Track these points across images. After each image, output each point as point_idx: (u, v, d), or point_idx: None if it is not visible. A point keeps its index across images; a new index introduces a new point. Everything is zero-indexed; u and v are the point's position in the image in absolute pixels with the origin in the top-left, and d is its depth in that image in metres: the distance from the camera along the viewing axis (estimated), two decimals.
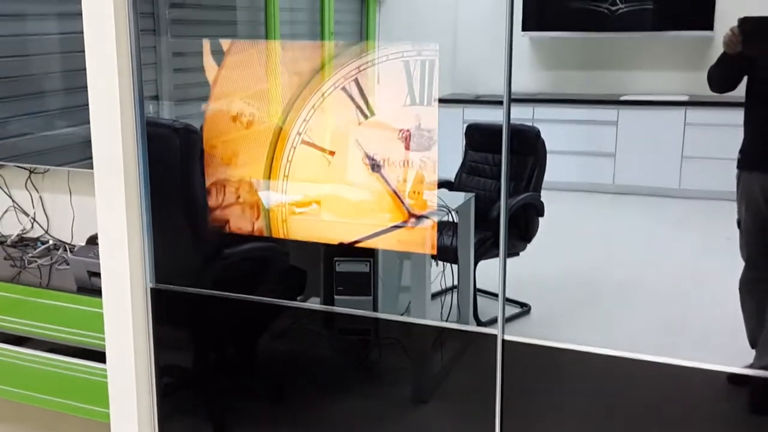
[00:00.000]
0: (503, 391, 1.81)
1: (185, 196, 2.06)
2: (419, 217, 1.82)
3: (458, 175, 1.91)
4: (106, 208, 2.06)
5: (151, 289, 2.10)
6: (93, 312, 2.22)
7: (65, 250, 2.55)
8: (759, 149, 1.64)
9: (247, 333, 2.11)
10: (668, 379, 1.68)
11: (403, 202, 1.84)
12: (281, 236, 1.97)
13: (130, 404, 2.14)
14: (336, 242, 1.92)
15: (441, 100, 1.81)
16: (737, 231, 1.66)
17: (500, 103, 1.75)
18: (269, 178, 1.97)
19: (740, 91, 1.66)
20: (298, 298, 2.00)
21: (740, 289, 1.64)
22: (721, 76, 1.65)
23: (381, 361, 1.99)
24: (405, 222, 1.84)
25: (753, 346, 1.64)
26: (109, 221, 2.05)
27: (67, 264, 2.46)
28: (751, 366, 1.62)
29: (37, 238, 2.66)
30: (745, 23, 1.60)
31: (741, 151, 1.65)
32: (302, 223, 1.94)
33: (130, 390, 2.12)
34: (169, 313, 2.12)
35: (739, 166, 1.65)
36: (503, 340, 1.80)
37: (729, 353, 1.66)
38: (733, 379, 1.63)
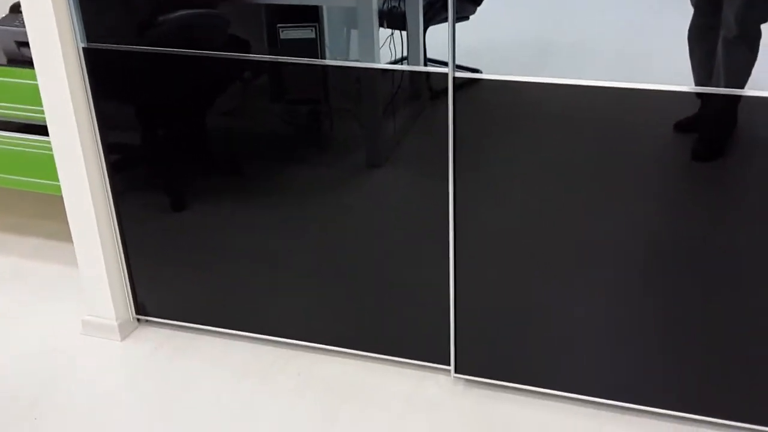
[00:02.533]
0: (455, 138, 1.83)
1: None
2: None
3: None
4: None
5: (83, 48, 2.02)
6: (28, 84, 2.14)
7: None
8: None
9: (193, 98, 2.07)
10: (621, 110, 1.71)
11: None
12: None
13: (80, 177, 2.14)
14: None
15: None
16: None
17: None
18: None
19: None
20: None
21: (689, 37, 1.65)
22: None
23: (333, 130, 2.01)
24: None
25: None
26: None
27: None
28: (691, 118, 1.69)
29: None
30: None
31: None
32: None
33: (77, 162, 2.11)
34: (107, 77, 2.06)
35: None
36: (454, 78, 1.78)
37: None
38: (684, 121, 1.69)
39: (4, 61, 2.23)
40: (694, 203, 1.77)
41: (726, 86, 1.66)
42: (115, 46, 2.01)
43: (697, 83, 1.68)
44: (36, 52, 2.01)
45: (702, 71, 1.68)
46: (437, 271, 2.00)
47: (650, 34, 1.78)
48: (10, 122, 2.34)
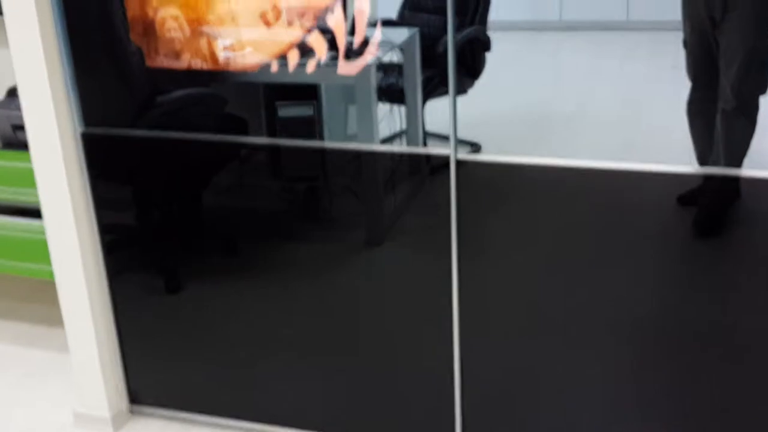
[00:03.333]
0: (459, 217, 1.81)
1: (107, 34, 1.93)
2: (361, 53, 1.75)
3: (401, 12, 1.84)
4: (22, 56, 1.92)
5: (82, 134, 2.01)
6: (23, 168, 2.12)
7: None
8: None
9: (190, 180, 2.06)
10: (622, 189, 1.70)
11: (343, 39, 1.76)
12: (214, 69, 1.86)
13: (73, 261, 2.10)
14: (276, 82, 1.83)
15: None
16: (684, 59, 1.66)
17: None
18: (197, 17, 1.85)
19: None
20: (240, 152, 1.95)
21: (688, 110, 1.65)
22: None
23: (332, 207, 1.98)
24: (347, 57, 1.77)
25: (702, 165, 1.68)
26: (27, 69, 1.93)
27: None
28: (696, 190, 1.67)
29: None
30: None
31: None
32: (245, 43, 1.83)
33: (72, 246, 2.08)
34: (104, 161, 2.05)
35: None
36: (457, 161, 1.77)
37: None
38: (686, 194, 1.67)
39: (0, 144, 2.22)
40: (695, 279, 1.74)
41: (726, 159, 1.64)
42: (113, 131, 2.01)
43: (698, 156, 1.67)
44: (32, 138, 2.00)
45: (702, 144, 1.67)
46: (441, 352, 1.93)
47: (648, 106, 1.78)
48: (5, 206, 2.31)
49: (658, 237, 1.71)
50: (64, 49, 1.94)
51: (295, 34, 1.76)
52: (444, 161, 1.77)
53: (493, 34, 1.81)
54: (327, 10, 1.72)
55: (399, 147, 1.86)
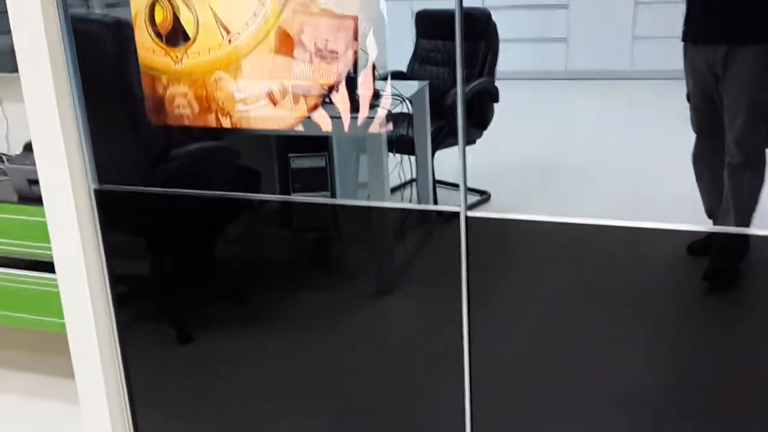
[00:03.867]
0: (469, 271, 1.82)
1: (122, 92, 1.97)
2: (372, 107, 1.79)
3: (410, 65, 1.87)
4: (37, 113, 1.96)
5: (95, 190, 2.03)
6: (38, 221, 2.15)
7: (1, 160, 2.44)
8: (703, 19, 1.63)
9: (202, 232, 2.07)
10: (631, 245, 1.70)
11: (354, 92, 1.79)
12: (229, 126, 1.90)
13: (85, 314, 2.11)
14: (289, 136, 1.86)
15: None
16: (688, 106, 1.68)
17: None
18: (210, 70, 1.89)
19: None
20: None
21: (694, 162, 1.66)
22: None
23: (342, 257, 1.99)
24: (356, 112, 1.80)
25: (710, 217, 1.68)
26: (42, 126, 1.96)
27: (5, 174, 2.36)
28: (707, 240, 1.67)
29: None
30: None
31: (685, 23, 1.63)
32: (251, 119, 1.88)
33: (83, 299, 2.09)
34: (116, 215, 2.07)
35: (684, 38, 1.64)
36: (466, 217, 1.79)
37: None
38: (696, 244, 1.67)
39: (15, 198, 2.25)
40: (706, 335, 1.73)
41: (735, 214, 1.65)
42: (127, 188, 2.03)
43: (706, 207, 1.68)
44: (46, 194, 2.02)
45: (710, 195, 1.68)
46: (451, 405, 1.92)
47: (653, 156, 1.80)
48: (19, 260, 2.33)
49: (668, 292, 1.71)
50: (79, 105, 1.98)
51: (300, 110, 1.81)
52: (454, 210, 1.79)
53: (500, 83, 1.84)
54: (332, 89, 1.77)
55: (409, 203, 1.87)
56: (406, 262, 1.93)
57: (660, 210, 1.69)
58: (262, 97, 1.84)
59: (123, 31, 1.91)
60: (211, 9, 1.80)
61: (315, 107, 1.80)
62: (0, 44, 2.34)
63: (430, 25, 1.84)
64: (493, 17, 1.81)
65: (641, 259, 1.71)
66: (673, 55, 1.72)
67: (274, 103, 1.81)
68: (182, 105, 1.88)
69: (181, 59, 1.85)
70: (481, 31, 1.78)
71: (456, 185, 1.81)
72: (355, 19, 1.74)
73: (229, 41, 1.82)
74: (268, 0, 1.77)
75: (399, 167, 1.87)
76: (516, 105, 1.94)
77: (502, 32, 1.81)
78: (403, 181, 1.90)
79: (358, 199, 1.92)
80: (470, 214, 1.79)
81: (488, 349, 1.86)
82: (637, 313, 1.73)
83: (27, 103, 1.96)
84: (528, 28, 1.92)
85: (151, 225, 2.09)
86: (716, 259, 1.65)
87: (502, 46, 1.82)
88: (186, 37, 1.84)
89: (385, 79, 1.76)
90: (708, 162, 1.65)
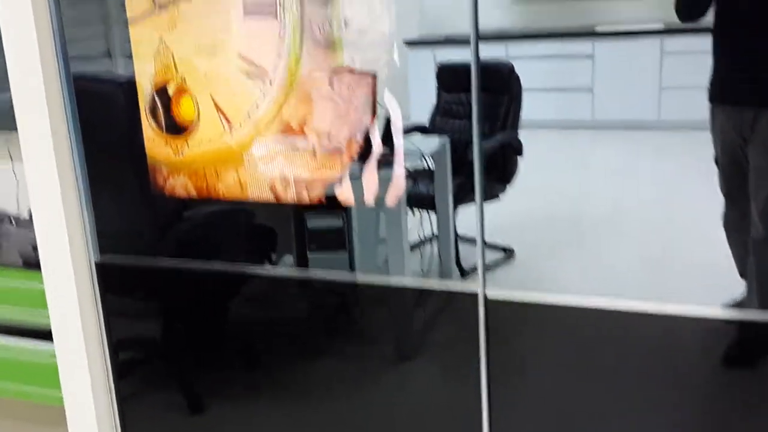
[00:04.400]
0: (488, 349, 1.76)
1: (134, 158, 1.91)
2: (389, 163, 1.73)
3: (432, 118, 1.82)
4: (36, 178, 1.89)
5: (96, 263, 1.95)
6: (40, 289, 2.07)
7: (10, 222, 2.38)
8: (730, 80, 1.56)
9: (211, 304, 2.00)
10: (659, 329, 1.64)
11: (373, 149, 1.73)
12: (245, 197, 1.84)
13: (83, 387, 2.01)
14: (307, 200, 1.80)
15: (409, 42, 1.70)
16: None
17: (469, 42, 1.66)
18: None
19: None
20: (268, 259, 1.89)
21: (724, 225, 1.59)
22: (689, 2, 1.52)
23: (359, 323, 1.91)
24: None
25: (742, 275, 1.60)
26: (40, 191, 1.89)
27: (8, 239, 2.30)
28: (742, 302, 1.58)
29: None
30: None
31: (711, 83, 1.55)
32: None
33: (82, 372, 2.00)
34: (119, 286, 1.99)
35: (710, 99, 1.57)
36: (485, 298, 1.73)
37: (719, 288, 1.62)
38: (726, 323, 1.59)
39: (20, 262, 2.19)
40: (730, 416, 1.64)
41: (758, 293, 1.57)
42: (130, 260, 1.96)
43: (739, 269, 1.60)
44: (45, 264, 1.95)
45: (742, 259, 1.59)
46: None
47: (681, 213, 1.74)
48: (18, 328, 2.25)
49: (690, 375, 1.63)
50: (81, 169, 1.91)
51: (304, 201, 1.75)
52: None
53: (523, 133, 1.79)
54: (336, 182, 1.71)
55: (425, 279, 1.81)
56: (425, 330, 1.85)
57: (687, 279, 1.62)
58: (265, 190, 1.78)
59: (136, 90, 1.86)
60: (212, 98, 1.75)
61: (320, 200, 1.72)
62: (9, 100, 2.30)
63: (451, 78, 1.79)
64: (516, 68, 1.76)
65: (664, 342, 1.64)
66: (701, 105, 1.66)
67: (277, 198, 1.75)
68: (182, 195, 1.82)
69: (182, 150, 1.80)
70: (503, 84, 1.73)
71: (484, 243, 1.74)
72: (374, 78, 1.69)
73: (231, 131, 1.76)
74: (271, 90, 1.71)
75: (419, 226, 1.80)
76: (540, 156, 1.88)
77: (526, 81, 1.77)
78: (424, 236, 1.83)
79: (378, 258, 1.85)
80: (489, 294, 1.72)
81: (508, 424, 1.77)
82: (661, 397, 1.65)
83: (26, 165, 1.90)
84: (552, 78, 1.87)
85: (157, 294, 2.01)
86: (737, 344, 1.57)
87: (525, 95, 1.77)
88: (186, 127, 1.79)
89: (407, 132, 1.71)
90: (737, 225, 1.57)
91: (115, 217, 1.95)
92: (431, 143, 1.78)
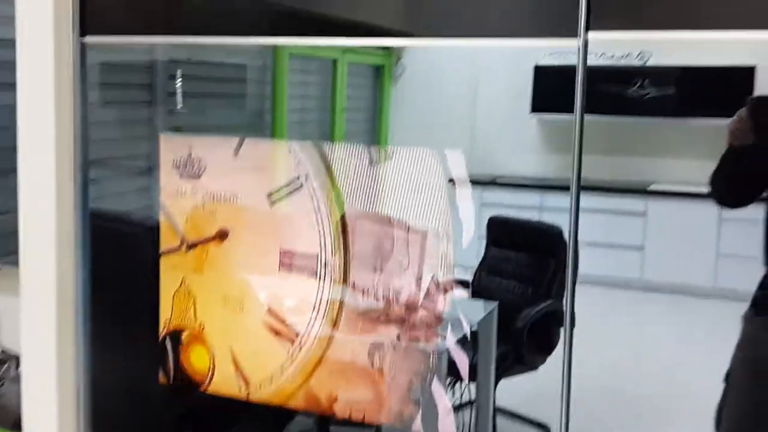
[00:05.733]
0: None
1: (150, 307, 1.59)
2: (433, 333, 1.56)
3: (477, 273, 1.68)
4: (31, 340, 1.61)
5: None
6: None
7: (17, 365, 1.99)
8: None
9: None
10: None
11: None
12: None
13: None
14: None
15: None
16: None
17: (519, 186, 1.53)
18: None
19: None
20: None
21: None
22: (729, 184, 1.14)
23: None
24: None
25: None
26: (33, 344, 1.60)
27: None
28: None
29: None
30: (761, 104, 1.06)
31: (761, 287, 1.22)
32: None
33: None
34: None
35: (758, 312, 1.22)
36: None
37: None
38: None
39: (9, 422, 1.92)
40: None
41: None
42: None
43: None
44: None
45: None
46: None
47: None
48: None
49: None
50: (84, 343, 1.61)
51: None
52: None
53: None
54: None
55: None
56: None
57: None
58: None
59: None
60: (232, 353, 1.41)
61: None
62: None
63: (502, 233, 1.65)
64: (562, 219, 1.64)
65: None
66: (761, 274, 1.55)
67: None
68: None
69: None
70: (551, 248, 1.60)
71: (517, 415, 1.60)
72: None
73: (247, 394, 1.42)
74: (300, 355, 1.39)
75: (459, 391, 1.65)
76: (585, 317, 1.74)
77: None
78: (461, 402, 1.68)
79: None
80: None
81: None
82: None
83: (23, 326, 1.60)
84: (602, 232, 1.75)
85: None
86: None
87: None
88: (195, 381, 1.47)
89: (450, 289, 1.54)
90: None
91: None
92: (477, 309, 1.63)
